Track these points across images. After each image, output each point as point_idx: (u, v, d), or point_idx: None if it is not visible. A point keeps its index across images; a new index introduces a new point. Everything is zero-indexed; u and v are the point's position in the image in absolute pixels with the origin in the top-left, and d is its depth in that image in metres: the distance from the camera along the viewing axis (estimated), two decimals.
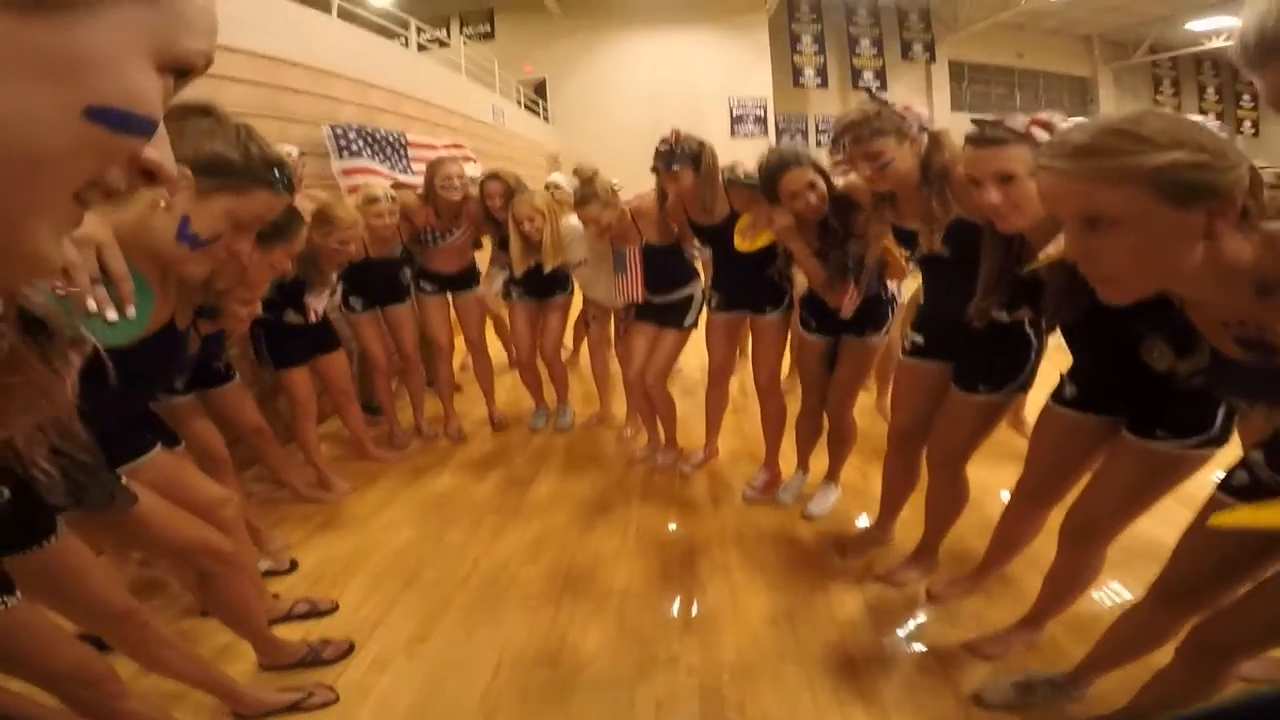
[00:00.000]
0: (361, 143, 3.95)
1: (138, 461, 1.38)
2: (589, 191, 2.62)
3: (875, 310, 2.25)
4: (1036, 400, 1.71)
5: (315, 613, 1.96)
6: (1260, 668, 1.62)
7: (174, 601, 2.00)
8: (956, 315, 1.58)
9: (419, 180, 3.45)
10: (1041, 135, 1.28)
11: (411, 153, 4.45)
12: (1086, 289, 0.98)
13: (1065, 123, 1.24)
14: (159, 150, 0.38)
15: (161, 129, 0.37)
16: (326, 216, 2.37)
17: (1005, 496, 1.96)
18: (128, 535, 1.30)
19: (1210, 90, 17.49)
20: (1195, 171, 0.80)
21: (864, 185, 1.85)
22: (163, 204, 1.07)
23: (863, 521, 2.50)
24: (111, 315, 0.95)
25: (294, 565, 2.27)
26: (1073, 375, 1.53)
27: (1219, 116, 16.69)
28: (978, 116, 1.38)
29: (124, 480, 1.25)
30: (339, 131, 3.88)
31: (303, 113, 3.71)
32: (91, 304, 0.93)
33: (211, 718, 1.57)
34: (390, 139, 4.28)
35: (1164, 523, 1.40)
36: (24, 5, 0.29)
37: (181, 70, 0.36)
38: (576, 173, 2.67)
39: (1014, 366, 1.71)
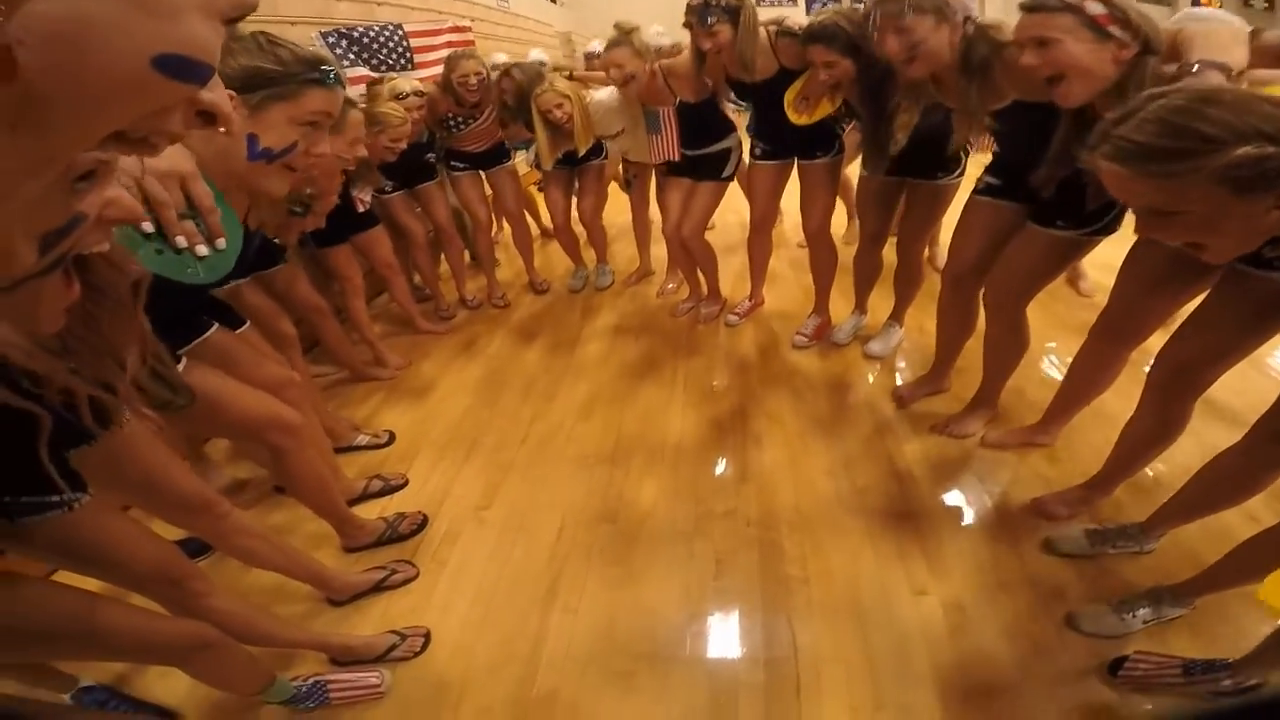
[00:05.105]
0: (355, 52, 3.66)
1: (195, 343, 1.39)
2: (622, 36, 2.43)
3: (945, 153, 2.04)
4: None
5: (388, 489, 2.06)
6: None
7: (261, 499, 2.07)
8: (1032, 164, 1.50)
9: (421, 75, 3.38)
10: (1095, 8, 1.23)
11: (413, 42, 4.07)
12: None
13: None
14: (215, 92, 0.41)
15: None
16: (375, 117, 2.35)
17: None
18: (195, 417, 1.31)
19: None
20: (1260, 164, 0.81)
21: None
22: (222, 131, 1.03)
23: (917, 371, 2.43)
24: (203, 250, 0.96)
25: (392, 438, 2.35)
26: None
27: None
28: None
29: (182, 365, 1.27)
30: (331, 41, 3.57)
31: (298, 11, 3.38)
32: (182, 240, 0.93)
33: (308, 606, 1.65)
34: (385, 36, 3.91)
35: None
36: None
37: (233, 19, 0.39)
38: (617, 26, 2.46)
39: (1098, 211, 1.55)
